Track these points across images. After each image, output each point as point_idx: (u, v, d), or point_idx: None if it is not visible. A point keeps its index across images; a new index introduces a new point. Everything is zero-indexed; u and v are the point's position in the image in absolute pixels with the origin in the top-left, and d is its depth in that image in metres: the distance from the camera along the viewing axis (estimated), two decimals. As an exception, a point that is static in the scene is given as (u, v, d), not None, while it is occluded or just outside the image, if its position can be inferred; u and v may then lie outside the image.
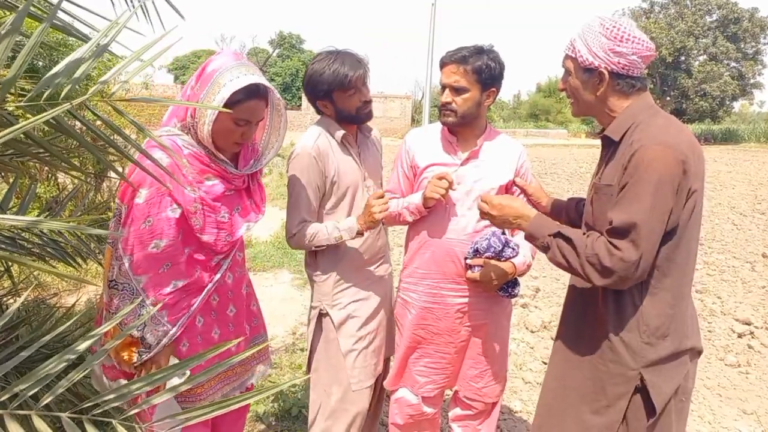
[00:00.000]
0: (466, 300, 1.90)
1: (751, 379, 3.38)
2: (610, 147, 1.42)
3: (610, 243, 1.29)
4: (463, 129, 1.89)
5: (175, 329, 1.53)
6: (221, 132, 1.51)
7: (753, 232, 7.38)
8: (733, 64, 31.61)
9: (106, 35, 1.18)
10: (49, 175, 5.16)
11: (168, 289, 1.50)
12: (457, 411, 2.07)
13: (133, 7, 1.65)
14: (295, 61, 42.17)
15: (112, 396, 0.96)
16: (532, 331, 4.02)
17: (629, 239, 1.26)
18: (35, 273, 3.10)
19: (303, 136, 1.91)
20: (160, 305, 1.49)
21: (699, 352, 1.43)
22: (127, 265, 1.45)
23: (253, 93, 1.49)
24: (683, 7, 31.82)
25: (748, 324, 4.18)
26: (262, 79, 1.49)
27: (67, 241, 2.05)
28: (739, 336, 4.01)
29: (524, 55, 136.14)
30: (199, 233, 1.52)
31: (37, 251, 1.98)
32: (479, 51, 1.80)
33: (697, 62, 31.59)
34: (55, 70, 1.07)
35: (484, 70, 1.80)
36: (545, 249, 1.43)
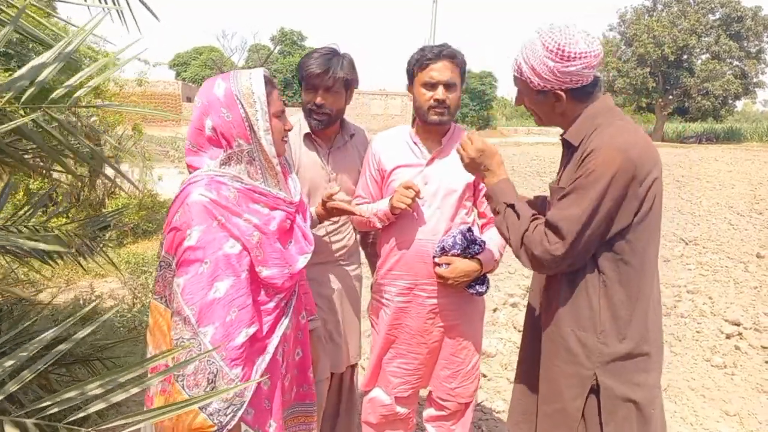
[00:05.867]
0: (438, 301, 1.90)
1: (737, 381, 3.38)
2: (569, 150, 1.42)
3: (546, 234, 1.33)
4: (432, 128, 1.89)
5: (250, 392, 1.30)
6: (275, 133, 1.37)
7: (749, 232, 7.35)
8: (736, 62, 31.41)
9: (71, 41, 1.19)
10: (43, 171, 5.17)
11: (240, 340, 1.26)
12: (431, 411, 2.08)
13: (114, 10, 1.61)
14: (296, 58, 41.97)
15: (61, 398, 0.97)
16: (519, 331, 4.02)
17: (559, 236, 1.30)
18: (16, 270, 3.12)
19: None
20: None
21: (658, 363, 1.41)
22: (192, 318, 1.23)
23: (271, 82, 1.39)
24: (686, 5, 31.62)
25: (738, 325, 4.17)
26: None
27: (43, 238, 2.05)
28: (728, 337, 4.00)
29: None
30: (261, 265, 1.33)
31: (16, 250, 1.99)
32: (452, 48, 1.81)
33: (699, 61, 31.41)
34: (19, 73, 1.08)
35: (464, 66, 1.83)
36: (496, 213, 1.47)
